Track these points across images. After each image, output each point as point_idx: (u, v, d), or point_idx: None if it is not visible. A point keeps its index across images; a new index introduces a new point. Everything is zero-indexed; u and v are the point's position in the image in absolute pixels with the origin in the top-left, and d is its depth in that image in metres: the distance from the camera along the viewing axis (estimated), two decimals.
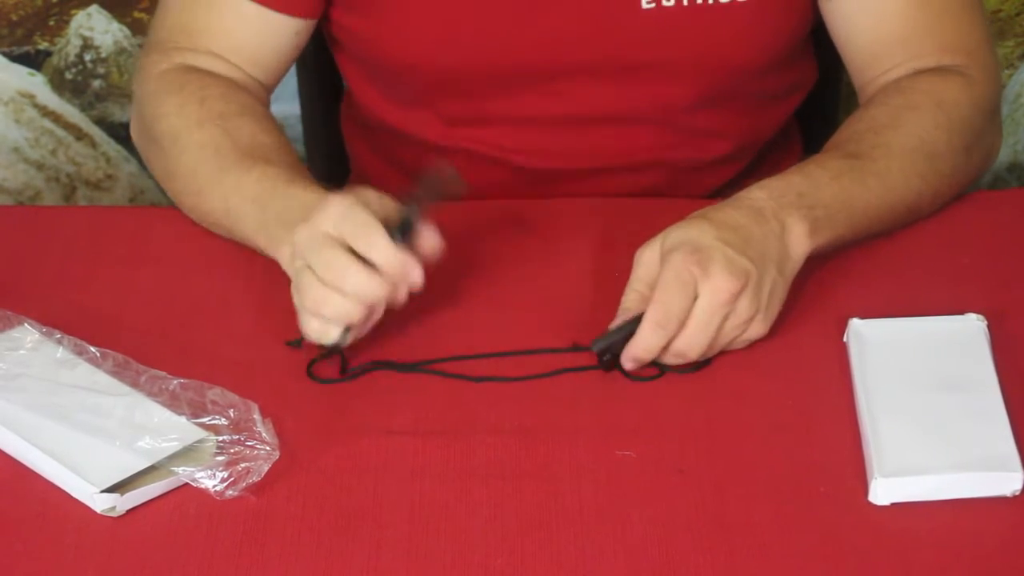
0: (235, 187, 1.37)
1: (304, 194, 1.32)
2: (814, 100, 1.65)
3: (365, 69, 1.56)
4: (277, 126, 1.45)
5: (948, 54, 1.45)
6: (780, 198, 1.31)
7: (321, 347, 1.27)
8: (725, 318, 1.25)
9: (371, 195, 1.27)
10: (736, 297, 1.25)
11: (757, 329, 1.27)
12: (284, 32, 1.48)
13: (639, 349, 1.26)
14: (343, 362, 1.28)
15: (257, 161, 1.37)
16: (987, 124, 1.46)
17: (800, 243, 1.30)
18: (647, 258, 1.29)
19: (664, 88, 1.49)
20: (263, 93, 1.50)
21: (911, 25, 1.46)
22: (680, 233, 1.27)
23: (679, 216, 1.31)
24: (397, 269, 1.24)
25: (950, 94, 1.42)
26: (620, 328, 1.27)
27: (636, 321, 1.26)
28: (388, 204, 1.27)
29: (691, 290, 1.24)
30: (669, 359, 1.27)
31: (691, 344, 1.25)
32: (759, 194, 1.31)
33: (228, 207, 1.37)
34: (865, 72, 1.49)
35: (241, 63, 1.48)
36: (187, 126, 1.42)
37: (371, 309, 1.25)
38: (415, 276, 1.24)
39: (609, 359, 1.27)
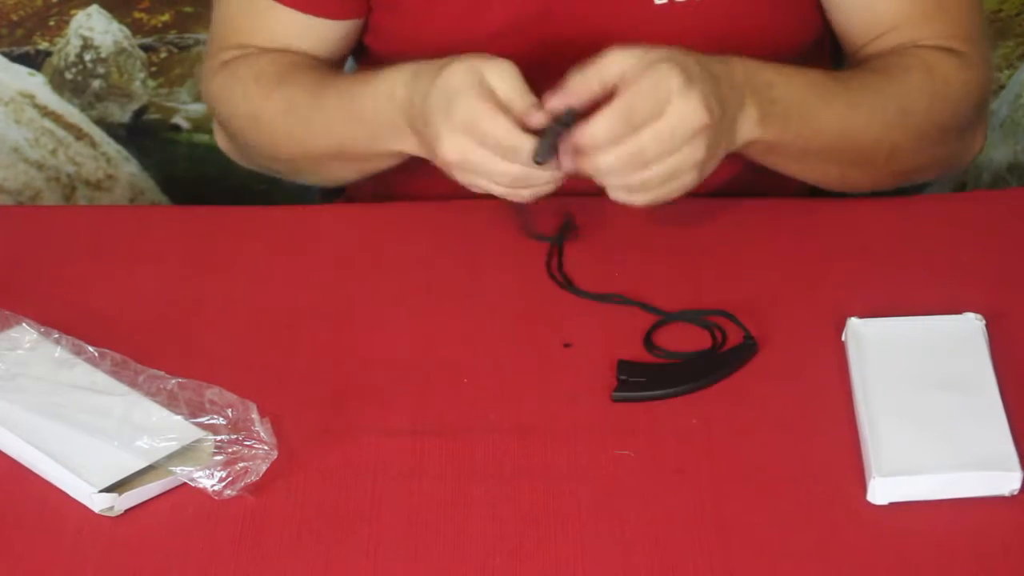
0: (327, 122, 1.40)
1: (380, 82, 1.35)
2: None
3: (387, 60, 1.57)
4: (329, 67, 1.48)
5: (945, 40, 1.46)
6: (752, 78, 1.31)
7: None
8: (673, 150, 1.24)
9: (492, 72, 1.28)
10: (696, 135, 1.24)
11: (688, 180, 1.26)
12: (333, 35, 1.50)
13: (589, 136, 1.24)
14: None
15: (326, 89, 1.40)
16: (973, 114, 1.46)
17: (748, 127, 1.30)
18: (617, 57, 1.26)
19: None
20: None
21: (906, 14, 1.46)
22: (668, 52, 1.26)
23: (678, 215, 1.31)
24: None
25: (943, 68, 1.43)
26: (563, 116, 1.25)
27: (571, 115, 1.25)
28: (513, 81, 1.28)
29: (663, 106, 1.23)
30: (608, 178, 1.25)
31: (637, 154, 1.23)
32: (737, 64, 1.31)
33: (338, 142, 1.40)
34: (857, 55, 1.48)
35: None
36: (259, 104, 1.45)
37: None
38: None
39: (547, 145, 1.25)
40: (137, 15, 2.14)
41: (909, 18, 1.45)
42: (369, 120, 1.36)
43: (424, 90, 1.30)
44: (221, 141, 1.56)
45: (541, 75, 1.41)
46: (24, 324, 1.28)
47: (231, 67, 1.49)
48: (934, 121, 1.42)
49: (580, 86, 1.27)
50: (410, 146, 1.35)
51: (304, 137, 1.43)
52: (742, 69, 1.32)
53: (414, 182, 1.58)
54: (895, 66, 1.42)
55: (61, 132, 2.20)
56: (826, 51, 1.60)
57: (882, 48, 1.46)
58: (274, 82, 1.45)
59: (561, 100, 1.26)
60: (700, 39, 1.45)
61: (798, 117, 1.34)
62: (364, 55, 1.58)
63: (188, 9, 2.14)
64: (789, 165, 1.39)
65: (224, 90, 1.49)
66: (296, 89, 1.44)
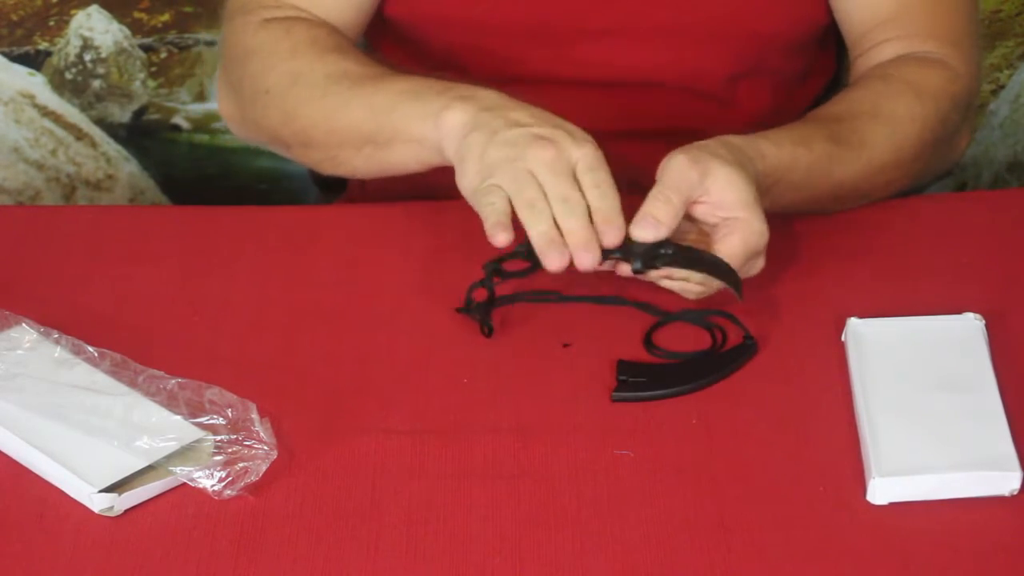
0: (375, 90, 1.39)
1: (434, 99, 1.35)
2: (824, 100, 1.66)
3: (396, 34, 1.57)
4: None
5: (934, 41, 1.48)
6: (771, 174, 1.32)
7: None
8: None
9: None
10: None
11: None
12: None
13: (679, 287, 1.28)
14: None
15: (382, 79, 1.40)
16: (961, 121, 1.48)
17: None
18: (685, 174, 1.27)
19: (690, 55, 1.50)
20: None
21: (904, 5, 1.48)
22: (740, 193, 1.26)
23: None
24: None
25: (930, 85, 1.44)
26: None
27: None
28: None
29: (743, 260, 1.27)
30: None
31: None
32: (761, 166, 1.31)
33: (374, 111, 1.39)
34: (858, 46, 1.51)
35: (323, 15, 1.50)
36: (308, 63, 1.44)
37: None
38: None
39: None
40: (137, 15, 2.14)
41: (904, 11, 1.46)
42: (419, 98, 1.36)
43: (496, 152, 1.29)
44: (225, 106, 1.54)
45: (552, 35, 1.42)
46: (24, 324, 1.28)
47: (286, 24, 1.48)
48: (925, 142, 1.43)
49: (667, 215, 1.25)
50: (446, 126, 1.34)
51: (336, 108, 1.41)
52: (765, 172, 1.31)
53: (415, 180, 1.59)
54: (883, 97, 1.43)
55: (61, 132, 2.20)
56: (831, 41, 1.61)
57: (881, 57, 1.48)
58: (331, 48, 1.45)
59: (651, 232, 1.25)
60: (711, 7, 1.47)
61: (799, 193, 1.37)
62: (381, 37, 1.58)
63: (188, 9, 2.14)
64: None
65: (269, 43, 1.48)
66: (352, 63, 1.43)
